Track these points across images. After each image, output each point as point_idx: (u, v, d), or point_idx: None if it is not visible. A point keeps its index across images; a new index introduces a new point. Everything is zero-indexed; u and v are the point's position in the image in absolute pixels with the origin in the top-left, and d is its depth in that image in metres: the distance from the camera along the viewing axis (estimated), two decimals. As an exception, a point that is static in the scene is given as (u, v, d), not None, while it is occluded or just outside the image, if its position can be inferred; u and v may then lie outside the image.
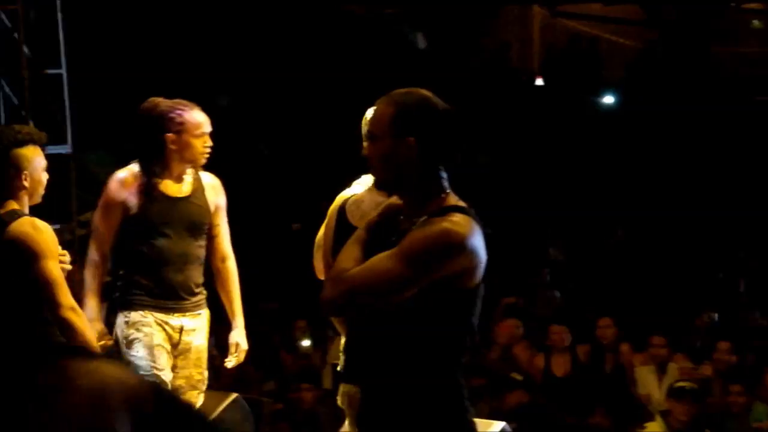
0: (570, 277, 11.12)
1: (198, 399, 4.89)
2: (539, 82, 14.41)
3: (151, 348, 4.73)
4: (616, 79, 13.83)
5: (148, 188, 4.78)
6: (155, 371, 4.73)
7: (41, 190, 4.35)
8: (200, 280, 4.88)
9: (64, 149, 8.18)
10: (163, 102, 4.80)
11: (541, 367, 8.36)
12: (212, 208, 4.91)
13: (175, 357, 4.80)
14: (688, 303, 9.76)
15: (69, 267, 4.32)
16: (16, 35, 8.45)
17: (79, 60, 8.91)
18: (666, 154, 12.27)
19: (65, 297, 4.13)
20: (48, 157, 4.51)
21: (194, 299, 4.85)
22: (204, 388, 4.93)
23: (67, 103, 8.35)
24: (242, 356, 4.99)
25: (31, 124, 7.31)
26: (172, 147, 4.74)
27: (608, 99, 13.67)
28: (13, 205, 4.24)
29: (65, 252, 4.37)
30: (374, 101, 3.16)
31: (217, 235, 4.97)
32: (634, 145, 12.40)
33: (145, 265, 4.79)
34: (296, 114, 12.00)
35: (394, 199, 3.19)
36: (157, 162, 4.78)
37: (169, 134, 4.73)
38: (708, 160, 12.20)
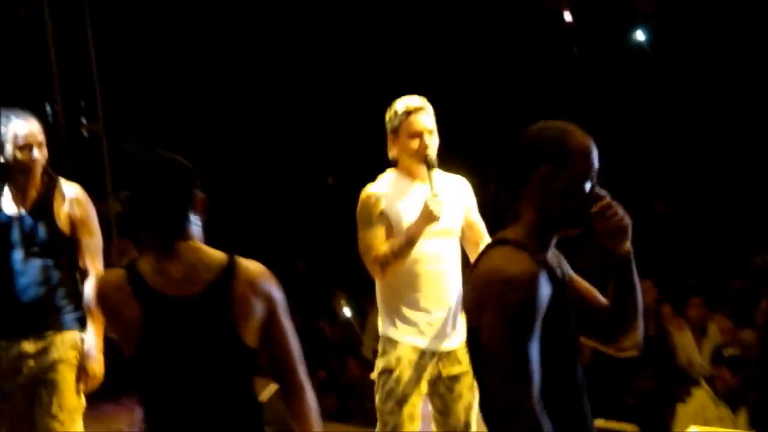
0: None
1: None
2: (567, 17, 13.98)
3: None
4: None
5: None
6: None
7: None
8: (55, 301, 4.66)
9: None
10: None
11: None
12: (65, 222, 4.68)
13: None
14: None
15: None
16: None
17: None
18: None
19: None
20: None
21: (42, 321, 4.66)
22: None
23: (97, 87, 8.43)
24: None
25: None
26: (0, 159, 4.61)
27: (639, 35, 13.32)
28: None
29: None
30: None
31: (79, 250, 4.71)
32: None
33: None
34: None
35: None
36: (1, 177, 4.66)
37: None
38: None
